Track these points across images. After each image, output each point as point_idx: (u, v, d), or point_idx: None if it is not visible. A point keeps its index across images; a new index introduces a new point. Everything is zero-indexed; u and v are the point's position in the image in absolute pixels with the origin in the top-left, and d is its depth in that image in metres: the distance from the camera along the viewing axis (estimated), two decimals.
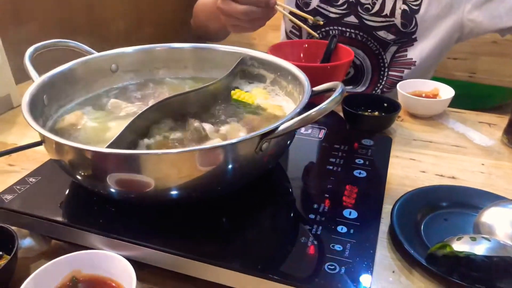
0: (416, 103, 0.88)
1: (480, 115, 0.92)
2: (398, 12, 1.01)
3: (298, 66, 0.86)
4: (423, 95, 0.92)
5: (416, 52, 1.05)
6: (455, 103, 0.90)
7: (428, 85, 0.94)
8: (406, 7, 1.00)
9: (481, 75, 1.46)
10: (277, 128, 0.48)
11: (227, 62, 0.72)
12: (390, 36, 1.03)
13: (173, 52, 0.74)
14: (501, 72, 1.38)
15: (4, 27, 1.12)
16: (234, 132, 0.58)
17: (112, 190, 0.49)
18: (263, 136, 0.47)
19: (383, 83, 1.11)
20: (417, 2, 1.00)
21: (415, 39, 1.03)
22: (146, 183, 0.47)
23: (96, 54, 0.69)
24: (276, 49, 0.95)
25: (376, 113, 0.87)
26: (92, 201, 0.54)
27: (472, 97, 1.54)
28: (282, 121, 0.48)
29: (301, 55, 1.00)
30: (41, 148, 0.69)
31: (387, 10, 1.01)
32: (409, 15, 1.00)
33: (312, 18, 1.02)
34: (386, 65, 1.08)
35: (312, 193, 0.57)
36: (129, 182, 0.48)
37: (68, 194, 0.56)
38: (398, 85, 0.91)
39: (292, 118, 0.49)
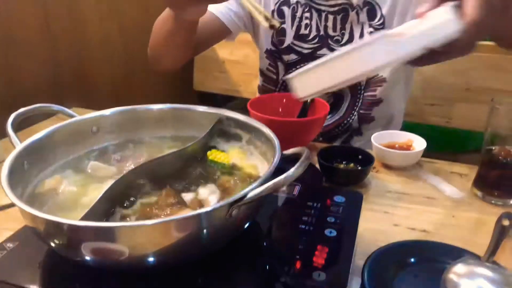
0: (390, 155, 0.92)
1: (453, 165, 0.95)
2: (366, 36, 1.07)
3: (276, 121, 0.90)
4: (397, 146, 0.96)
5: (387, 69, 1.11)
6: (433, 146, 0.94)
7: (401, 136, 0.98)
8: (372, 29, 1.07)
9: (457, 120, 1.51)
10: (245, 195, 0.50)
11: (204, 121, 0.75)
12: None
13: (153, 113, 0.77)
14: (475, 118, 1.43)
15: None
16: (209, 195, 0.60)
17: (87, 258, 0.50)
18: (232, 204, 0.50)
19: (359, 105, 1.16)
20: (380, 22, 1.07)
21: None
22: (120, 252, 0.49)
23: (77, 117, 0.71)
24: (255, 103, 0.99)
25: (351, 164, 0.90)
26: (69, 267, 0.55)
27: (450, 141, 1.59)
28: (251, 188, 0.51)
29: (280, 109, 1.03)
30: None
31: (356, 38, 1.08)
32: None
33: (269, 15, 0.88)
34: (363, 87, 1.14)
35: (283, 254, 0.59)
36: (103, 251, 0.49)
37: (45, 260, 0.57)
38: (372, 137, 0.95)
39: (261, 184, 0.51)
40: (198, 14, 0.98)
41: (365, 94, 1.15)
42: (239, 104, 1.94)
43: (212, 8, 1.08)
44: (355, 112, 1.17)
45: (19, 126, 0.68)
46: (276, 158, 0.57)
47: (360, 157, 0.90)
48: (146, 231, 0.48)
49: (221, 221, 0.51)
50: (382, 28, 1.07)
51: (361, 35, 1.08)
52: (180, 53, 1.06)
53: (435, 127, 1.56)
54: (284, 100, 1.05)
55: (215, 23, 1.10)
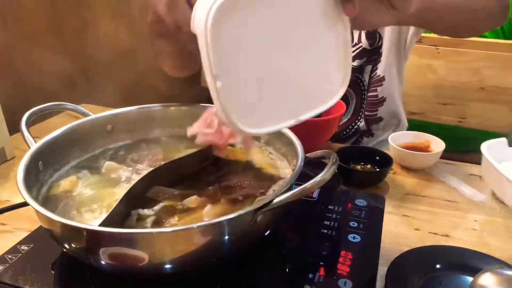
0: (409, 156, 0.90)
1: (472, 167, 0.93)
2: (363, 36, 1.07)
3: None
4: (415, 147, 0.94)
5: (382, 67, 1.11)
6: (446, 146, 0.92)
7: (418, 137, 0.96)
8: None
9: (471, 120, 1.48)
10: (271, 201, 0.48)
11: None
12: (363, 60, 1.09)
13: (169, 111, 0.75)
14: (489, 117, 1.40)
15: (1, 78, 1.14)
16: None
17: (104, 263, 0.48)
18: (258, 209, 0.48)
19: (364, 106, 1.15)
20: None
21: (381, 54, 1.10)
22: (140, 258, 0.47)
23: (92, 116, 0.70)
24: None
25: (369, 166, 0.88)
26: (84, 271, 0.53)
27: (462, 140, 1.56)
28: (277, 194, 0.49)
29: None
30: None
31: (355, 39, 1.08)
32: (372, 33, 1.07)
33: None
34: (366, 87, 1.13)
35: (307, 260, 0.57)
36: (122, 257, 0.48)
37: (60, 263, 0.56)
38: (389, 137, 0.93)
39: (286, 189, 0.49)
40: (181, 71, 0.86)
41: (368, 94, 1.14)
42: None
43: None
44: (362, 114, 1.16)
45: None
46: (300, 162, 0.56)
47: (377, 158, 0.88)
48: (168, 238, 0.46)
49: (245, 227, 0.49)
50: None
51: (359, 37, 1.08)
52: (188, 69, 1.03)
53: (446, 126, 1.53)
54: None
55: None
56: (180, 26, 0.54)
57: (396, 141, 0.92)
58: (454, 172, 0.90)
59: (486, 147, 0.85)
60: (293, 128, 0.65)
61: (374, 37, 1.07)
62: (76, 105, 0.70)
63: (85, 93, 1.43)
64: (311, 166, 0.59)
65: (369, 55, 1.09)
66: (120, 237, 0.46)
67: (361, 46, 1.08)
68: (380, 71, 1.12)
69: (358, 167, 0.88)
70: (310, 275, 0.53)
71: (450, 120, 1.49)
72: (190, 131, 0.59)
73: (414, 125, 1.28)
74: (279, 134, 0.67)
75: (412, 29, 1.09)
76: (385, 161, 0.86)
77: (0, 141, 0.93)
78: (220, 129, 0.58)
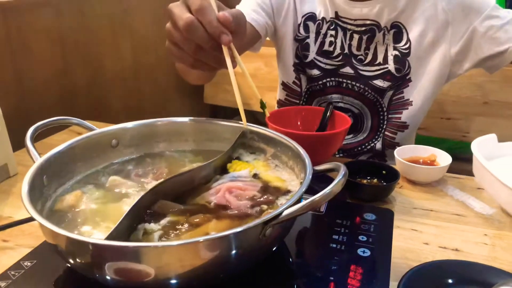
0: (415, 170, 0.89)
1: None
2: (390, 58, 1.04)
3: (296, 134, 0.88)
4: (421, 161, 0.93)
5: (412, 92, 1.08)
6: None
7: (424, 151, 0.95)
8: (397, 52, 1.04)
9: (475, 134, 1.48)
10: (280, 213, 0.47)
11: (227, 135, 0.73)
12: (386, 84, 1.06)
13: (174, 126, 0.75)
14: (494, 132, 1.40)
15: (4, 94, 1.14)
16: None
17: (110, 279, 0.47)
18: (267, 222, 0.47)
19: (384, 127, 1.12)
20: (406, 46, 1.04)
21: (409, 80, 1.07)
22: (146, 273, 0.46)
23: (97, 130, 0.69)
24: (275, 116, 0.97)
25: (375, 180, 0.87)
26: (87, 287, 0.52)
27: (467, 155, 1.55)
28: (286, 206, 0.48)
29: (298, 122, 1.01)
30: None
31: (380, 59, 1.05)
32: (401, 59, 1.04)
33: (260, 99, 0.76)
34: (385, 109, 1.11)
35: (316, 275, 0.56)
36: (128, 272, 0.46)
37: (64, 280, 0.55)
38: (395, 151, 0.92)
39: (294, 202, 0.48)
40: (202, 81, 0.95)
41: (389, 116, 1.11)
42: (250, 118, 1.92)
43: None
44: (381, 134, 1.13)
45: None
46: (308, 174, 0.55)
47: (384, 172, 0.87)
48: (176, 251, 0.45)
49: (253, 241, 0.48)
50: (408, 53, 1.04)
51: (385, 57, 1.05)
52: (205, 77, 1.04)
53: (450, 141, 1.53)
54: (303, 113, 1.02)
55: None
56: (200, 45, 0.56)
57: (402, 155, 0.92)
58: (461, 186, 0.89)
59: (476, 144, 0.84)
60: (298, 142, 0.65)
61: (403, 64, 1.04)
62: (81, 120, 0.70)
63: (88, 110, 1.43)
64: (317, 181, 0.58)
65: (395, 81, 1.06)
66: (126, 250, 0.45)
67: (387, 68, 1.05)
68: (409, 95, 1.08)
69: (365, 181, 0.87)
70: None
71: (454, 135, 1.49)
72: None
73: (418, 140, 1.27)
74: (285, 147, 0.67)
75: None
76: (392, 175, 0.85)
77: (3, 157, 0.92)
78: None
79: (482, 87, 1.44)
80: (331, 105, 0.99)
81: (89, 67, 1.43)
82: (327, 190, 0.48)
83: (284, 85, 1.20)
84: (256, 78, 1.79)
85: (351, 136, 1.14)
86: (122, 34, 1.55)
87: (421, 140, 1.28)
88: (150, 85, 1.72)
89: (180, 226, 0.54)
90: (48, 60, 1.28)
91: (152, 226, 0.53)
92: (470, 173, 0.95)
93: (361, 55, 1.07)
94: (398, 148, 0.94)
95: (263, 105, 0.71)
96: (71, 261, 0.49)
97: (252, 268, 0.53)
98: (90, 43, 1.42)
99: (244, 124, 0.68)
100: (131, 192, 0.63)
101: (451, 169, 0.93)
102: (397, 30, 1.04)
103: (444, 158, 0.92)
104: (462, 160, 1.22)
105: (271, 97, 1.39)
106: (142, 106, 1.70)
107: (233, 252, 0.48)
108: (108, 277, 0.47)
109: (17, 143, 0.97)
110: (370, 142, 1.15)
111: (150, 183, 0.64)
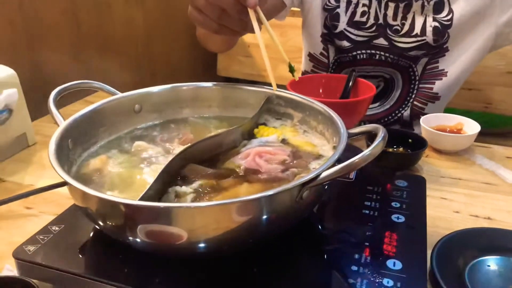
0: (443, 139, 0.86)
1: (508, 149, 0.90)
2: (429, 30, 0.99)
3: (319, 101, 0.85)
4: (447, 129, 0.90)
5: (448, 63, 1.03)
6: None
7: (451, 120, 0.92)
8: (437, 24, 0.98)
9: (497, 105, 1.44)
10: (319, 175, 0.45)
11: (252, 101, 0.71)
12: (421, 53, 1.02)
13: (199, 91, 0.73)
14: None
15: (20, 64, 1.12)
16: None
17: (141, 241, 0.46)
18: (305, 184, 0.45)
19: (413, 96, 1.08)
20: (449, 17, 0.98)
21: (446, 49, 1.02)
22: (178, 235, 0.44)
23: (120, 94, 0.67)
24: (295, 84, 0.94)
25: (401, 148, 0.85)
26: (117, 252, 0.51)
27: (488, 126, 1.52)
28: (323, 168, 0.46)
29: (320, 90, 0.98)
30: (60, 189, 0.67)
31: (417, 30, 1.00)
32: (441, 31, 0.99)
33: (289, 62, 0.70)
34: (417, 77, 1.06)
35: (350, 241, 0.54)
36: (160, 234, 0.45)
37: (92, 243, 0.54)
38: (421, 120, 0.90)
39: (333, 165, 0.46)
40: (224, 47, 0.92)
41: (420, 86, 1.07)
42: None
43: None
44: (409, 104, 1.09)
45: (46, 110, 0.63)
46: (344, 136, 0.53)
47: (410, 140, 0.85)
48: (208, 212, 0.43)
49: (290, 203, 0.46)
50: (450, 24, 0.98)
51: (423, 28, 0.99)
52: (227, 43, 0.98)
53: (472, 112, 1.49)
54: (324, 80, 0.99)
55: None
56: (224, 9, 0.56)
57: (428, 123, 0.89)
58: (490, 155, 0.87)
59: None
60: None
61: (442, 36, 0.99)
62: (102, 84, 0.68)
63: (101, 78, 1.41)
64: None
65: (430, 50, 1.01)
66: (159, 211, 0.43)
67: (424, 40, 0.99)
68: (445, 65, 1.03)
69: (390, 149, 0.84)
70: (356, 256, 0.50)
71: (475, 106, 1.45)
72: None
73: None
74: (314, 112, 0.64)
75: None
76: (418, 144, 0.83)
77: (22, 126, 0.91)
78: None
79: (505, 56, 1.39)
80: (354, 72, 0.95)
81: (101, 35, 1.41)
82: (366, 152, 0.46)
83: (311, 56, 1.15)
84: (271, 48, 1.75)
85: (377, 104, 1.10)
86: (134, 3, 1.52)
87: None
88: (161, 55, 1.69)
89: (210, 189, 0.52)
90: (61, 29, 1.26)
91: (184, 189, 0.51)
92: (498, 143, 0.93)
93: (397, 25, 1.00)
94: (423, 117, 0.91)
95: (291, 69, 0.68)
96: (102, 224, 0.48)
97: (283, 235, 0.51)
98: (102, 12, 1.39)
99: (274, 88, 0.65)
100: (157, 157, 0.61)
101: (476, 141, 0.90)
102: (438, 0, 0.99)
103: (471, 127, 0.89)
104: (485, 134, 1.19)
105: (286, 68, 1.36)
106: (154, 77, 1.67)
107: (268, 215, 0.46)
108: (138, 240, 0.46)
109: (34, 114, 0.96)
110: (397, 112, 1.11)
111: (176, 149, 0.63)
